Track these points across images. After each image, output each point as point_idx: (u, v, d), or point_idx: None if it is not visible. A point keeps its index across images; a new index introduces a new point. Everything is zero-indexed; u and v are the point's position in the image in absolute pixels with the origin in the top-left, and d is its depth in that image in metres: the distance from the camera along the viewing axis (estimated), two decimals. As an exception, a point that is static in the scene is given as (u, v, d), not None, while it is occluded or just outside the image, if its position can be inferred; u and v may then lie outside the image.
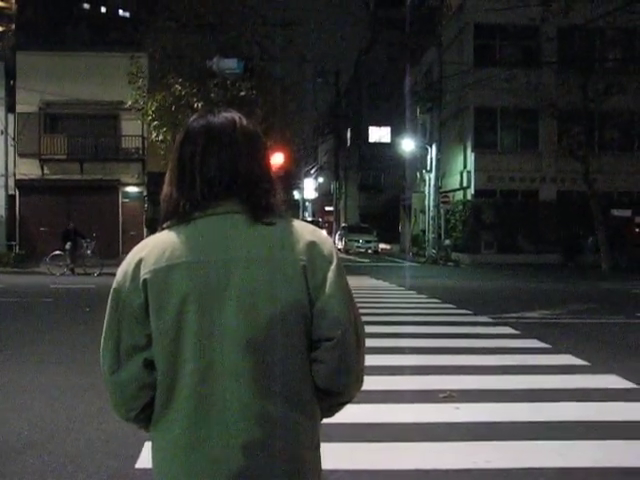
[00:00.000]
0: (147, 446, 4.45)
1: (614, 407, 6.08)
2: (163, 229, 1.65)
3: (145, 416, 1.65)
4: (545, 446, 4.94)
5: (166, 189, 1.67)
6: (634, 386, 6.84)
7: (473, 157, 29.63)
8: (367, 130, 51.99)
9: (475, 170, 29.52)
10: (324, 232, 1.68)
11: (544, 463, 4.59)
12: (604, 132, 28.31)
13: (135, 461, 4.53)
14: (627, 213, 27.03)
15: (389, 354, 8.10)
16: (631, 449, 4.94)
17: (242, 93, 24.20)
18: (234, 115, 1.69)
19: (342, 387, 1.63)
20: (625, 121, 27.50)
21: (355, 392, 1.67)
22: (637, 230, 26.84)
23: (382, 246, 41.96)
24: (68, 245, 22.00)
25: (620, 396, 6.46)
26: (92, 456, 4.72)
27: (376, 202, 50.83)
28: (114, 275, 1.66)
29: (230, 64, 22.17)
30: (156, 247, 1.60)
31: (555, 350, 8.79)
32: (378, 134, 51.92)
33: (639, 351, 9.01)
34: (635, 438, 5.18)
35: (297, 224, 1.65)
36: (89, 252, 22.57)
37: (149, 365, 1.59)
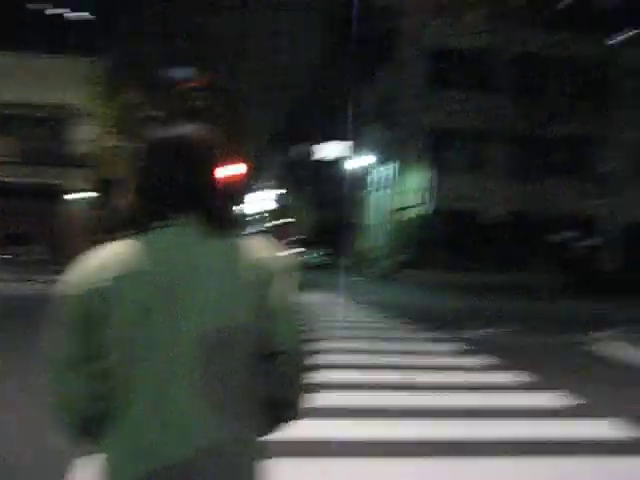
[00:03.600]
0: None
1: (562, 425, 6.19)
2: (120, 238, 1.63)
3: (92, 428, 1.61)
4: (495, 464, 5.01)
5: (125, 198, 1.68)
6: (580, 402, 6.98)
7: (428, 176, 30.01)
8: (320, 145, 52.10)
9: (429, 189, 29.90)
10: (278, 247, 1.70)
11: None
12: (550, 156, 28.98)
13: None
14: (569, 235, 27.67)
15: (337, 369, 8.08)
16: (580, 466, 5.04)
17: (200, 104, 24.16)
18: (195, 127, 1.68)
19: (287, 402, 1.65)
20: (568, 146, 28.23)
21: (300, 408, 1.67)
22: (579, 252, 27.49)
23: (334, 260, 42.03)
24: (13, 249, 21.49)
25: (567, 413, 6.59)
26: None
27: (329, 216, 50.94)
28: (58, 281, 1.63)
29: (187, 74, 22.11)
30: (112, 256, 1.58)
31: (502, 367, 8.92)
32: (332, 149, 52.10)
33: (582, 369, 9.21)
34: (583, 454, 5.29)
35: (251, 238, 1.65)
36: (33, 257, 22.00)
37: (101, 375, 1.56)
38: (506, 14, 26.46)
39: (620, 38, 29.34)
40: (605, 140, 25.26)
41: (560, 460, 5.15)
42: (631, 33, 30.67)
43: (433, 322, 13.65)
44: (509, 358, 9.66)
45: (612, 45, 25.17)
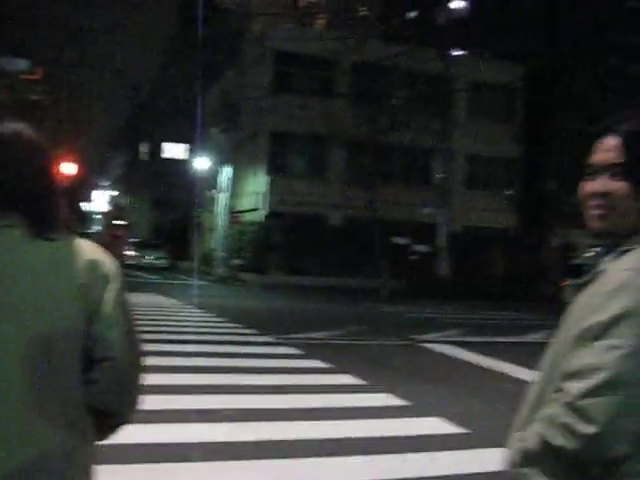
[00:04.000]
0: None
1: (388, 424, 6.34)
2: None
3: None
4: (327, 463, 5.03)
5: None
6: (406, 404, 7.19)
7: (266, 180, 30.12)
8: (162, 146, 51.19)
9: (267, 193, 30.02)
10: (108, 249, 1.67)
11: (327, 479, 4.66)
12: (388, 164, 29.96)
13: None
14: (405, 241, 28.73)
15: (172, 373, 7.92)
16: (405, 463, 5.14)
17: (34, 97, 22.92)
18: (19, 126, 1.61)
19: (117, 408, 1.61)
20: (407, 155, 29.33)
21: (130, 413, 1.65)
22: (414, 258, 28.60)
23: (172, 262, 41.32)
24: None
25: (395, 413, 6.75)
26: None
27: (168, 218, 50.11)
28: None
29: (21, 65, 20.90)
30: None
31: (335, 370, 9.04)
32: (174, 150, 51.28)
33: (411, 370, 9.51)
34: (409, 451, 5.43)
35: (79, 241, 1.61)
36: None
37: None
38: (350, 23, 27.14)
39: (456, 53, 30.89)
40: (442, 150, 26.41)
41: (387, 457, 5.26)
42: (464, 52, 32.40)
43: (269, 325, 13.64)
44: (342, 361, 9.81)
45: (450, 59, 26.39)
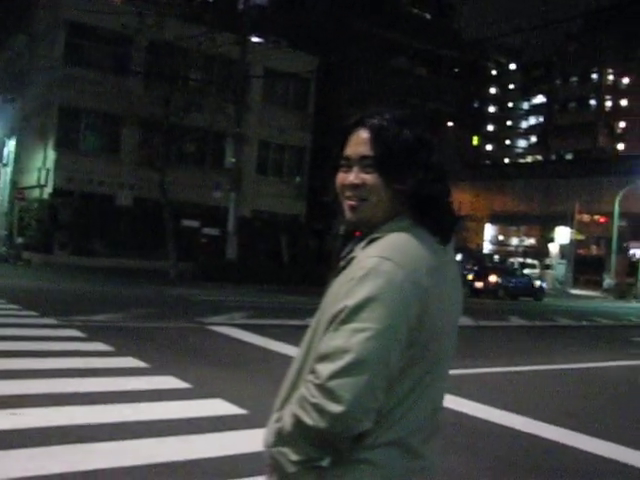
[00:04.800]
0: None
1: (172, 406, 6.42)
2: None
3: None
4: (105, 448, 5.02)
5: None
6: (189, 386, 7.31)
7: (53, 155, 28.70)
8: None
9: (54, 169, 28.62)
10: None
11: (107, 464, 4.66)
12: (182, 146, 29.68)
13: None
14: (195, 224, 28.67)
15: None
16: (188, 444, 5.27)
17: None
18: None
19: None
20: (200, 138, 29.20)
21: None
22: (204, 240, 28.62)
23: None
24: None
25: (177, 396, 6.85)
26: None
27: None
28: None
29: None
30: None
31: (118, 353, 8.95)
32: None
33: (195, 353, 9.63)
34: (192, 433, 5.55)
35: None
36: None
37: None
38: (149, 0, 26.43)
39: (255, 40, 31.17)
40: (235, 135, 26.56)
41: (169, 439, 5.34)
42: (261, 40, 32.78)
43: (51, 307, 13.13)
44: (126, 343, 9.72)
45: (247, 46, 26.55)
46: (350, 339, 1.54)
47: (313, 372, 1.59)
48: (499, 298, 32.13)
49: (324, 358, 1.57)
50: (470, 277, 32.97)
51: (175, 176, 27.55)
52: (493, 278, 33.09)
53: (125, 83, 26.66)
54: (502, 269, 37.05)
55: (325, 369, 1.55)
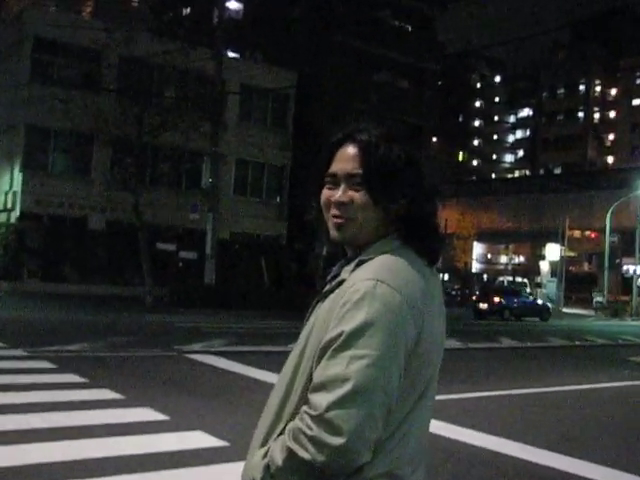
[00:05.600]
0: None
1: (150, 440, 6.37)
2: None
3: None
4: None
5: None
6: (167, 418, 7.25)
7: (20, 178, 28.54)
8: None
9: (22, 192, 28.45)
10: None
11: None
12: (156, 166, 29.60)
13: None
14: (172, 247, 28.56)
15: None
16: (170, 478, 5.23)
17: None
18: None
19: None
20: (175, 157, 29.16)
21: None
22: (181, 265, 28.51)
23: None
24: None
25: (154, 428, 6.79)
26: None
27: None
28: None
29: None
30: None
31: (92, 385, 8.88)
32: None
33: (173, 383, 9.56)
34: (172, 467, 5.51)
35: None
36: None
37: None
38: (120, 14, 26.51)
39: (231, 55, 31.32)
40: (211, 154, 26.56)
41: (153, 475, 5.29)
42: (237, 55, 32.92)
43: (23, 338, 13.02)
44: (100, 374, 9.64)
45: (223, 61, 26.64)
46: (349, 367, 1.51)
47: (308, 403, 1.55)
48: (505, 319, 32.20)
49: (321, 388, 1.53)
50: (473, 298, 33.01)
51: (150, 197, 27.49)
52: (497, 299, 33.19)
53: (96, 101, 26.59)
54: (506, 289, 37.21)
55: (323, 399, 1.51)
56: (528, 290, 41.79)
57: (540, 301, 36.30)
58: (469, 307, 35.81)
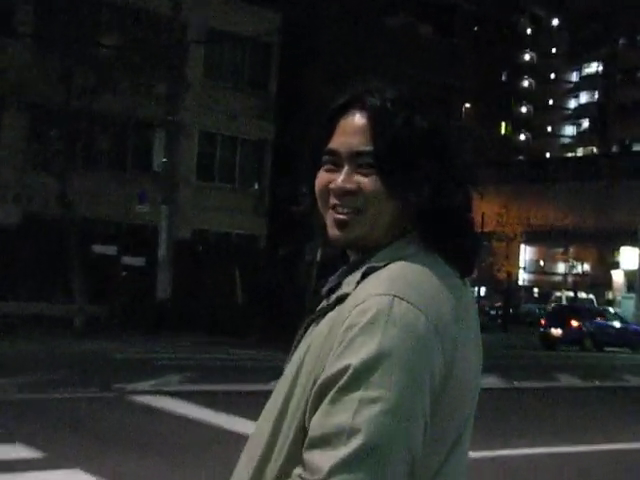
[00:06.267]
0: None
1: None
2: None
3: None
4: None
5: None
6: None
7: None
8: None
9: None
10: None
11: None
12: (91, 141, 29.51)
13: None
14: (112, 250, 28.48)
15: None
16: None
17: None
18: None
19: None
20: (118, 129, 29.06)
21: None
22: (124, 274, 28.41)
23: None
24: None
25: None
26: None
27: None
28: None
29: None
30: None
31: (5, 439, 8.84)
32: None
33: (112, 436, 9.54)
34: None
35: None
36: None
37: None
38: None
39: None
40: (168, 125, 26.52)
41: None
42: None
43: None
44: (12, 425, 9.65)
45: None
46: (358, 414, 1.46)
47: (303, 465, 1.52)
48: (586, 350, 32.35)
49: (320, 443, 1.49)
50: (542, 322, 33.31)
51: (82, 184, 27.39)
52: (576, 322, 33.46)
53: (5, 50, 26.52)
54: (588, 310, 37.43)
55: (324, 460, 1.46)
56: (612, 310, 41.74)
57: (634, 326, 36.58)
58: (510, 331, 35.93)
